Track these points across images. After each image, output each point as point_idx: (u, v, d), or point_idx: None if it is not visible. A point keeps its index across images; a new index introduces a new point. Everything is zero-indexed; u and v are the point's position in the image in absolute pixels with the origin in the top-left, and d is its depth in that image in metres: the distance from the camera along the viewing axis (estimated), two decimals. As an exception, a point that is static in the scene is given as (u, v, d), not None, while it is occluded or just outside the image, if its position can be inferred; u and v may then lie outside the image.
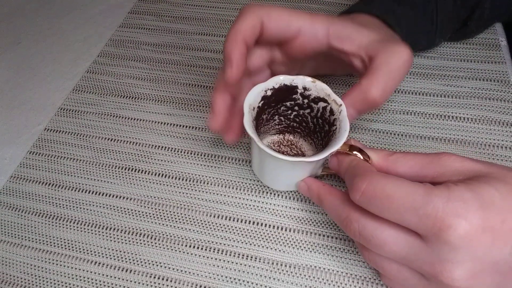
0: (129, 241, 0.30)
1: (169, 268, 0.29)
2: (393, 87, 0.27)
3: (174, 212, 0.31)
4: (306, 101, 0.30)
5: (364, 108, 0.27)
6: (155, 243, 0.30)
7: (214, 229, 0.30)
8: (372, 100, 0.27)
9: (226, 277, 0.28)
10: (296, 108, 0.31)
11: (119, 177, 0.33)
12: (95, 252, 0.30)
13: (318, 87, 0.29)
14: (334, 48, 0.29)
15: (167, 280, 0.28)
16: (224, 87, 0.28)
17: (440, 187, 0.21)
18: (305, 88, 0.29)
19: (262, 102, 0.29)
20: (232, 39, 0.26)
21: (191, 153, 0.35)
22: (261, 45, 0.29)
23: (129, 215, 0.31)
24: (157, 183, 0.33)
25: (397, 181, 0.21)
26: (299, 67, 0.33)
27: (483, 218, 0.19)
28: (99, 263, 0.29)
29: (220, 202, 0.32)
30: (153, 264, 0.29)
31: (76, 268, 0.29)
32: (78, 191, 0.33)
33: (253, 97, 0.28)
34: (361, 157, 0.26)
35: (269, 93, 0.29)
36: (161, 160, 0.34)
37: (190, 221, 0.31)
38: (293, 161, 0.25)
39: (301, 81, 0.29)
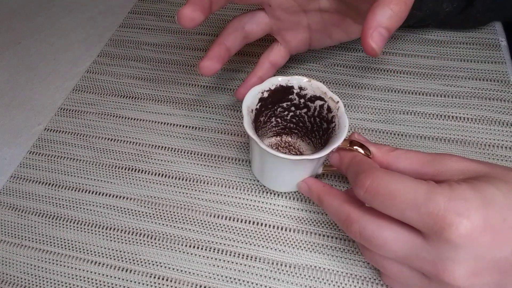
0: (129, 241, 0.30)
1: (169, 268, 0.29)
2: None
3: (174, 212, 0.31)
4: (302, 100, 0.30)
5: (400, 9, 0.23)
6: (155, 243, 0.30)
7: (214, 229, 0.30)
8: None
9: (226, 277, 0.28)
10: (293, 108, 0.31)
11: (119, 177, 0.33)
12: (95, 252, 0.30)
13: (314, 86, 0.29)
14: None
15: (167, 280, 0.28)
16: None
17: (443, 185, 0.21)
18: (301, 88, 0.29)
19: (259, 104, 0.29)
20: None
21: (191, 153, 0.35)
22: None
23: (129, 215, 0.31)
24: (157, 183, 0.33)
25: (400, 178, 0.21)
26: (299, 19, 0.32)
27: (484, 217, 0.19)
28: (99, 263, 0.29)
29: (220, 202, 0.31)
30: (153, 264, 0.29)
31: (76, 268, 0.29)
32: (78, 191, 0.33)
33: (250, 99, 0.28)
34: (362, 152, 0.26)
35: (265, 94, 0.29)
36: (161, 160, 0.34)
37: (190, 221, 0.31)
38: (296, 160, 0.25)
39: (297, 81, 0.29)
